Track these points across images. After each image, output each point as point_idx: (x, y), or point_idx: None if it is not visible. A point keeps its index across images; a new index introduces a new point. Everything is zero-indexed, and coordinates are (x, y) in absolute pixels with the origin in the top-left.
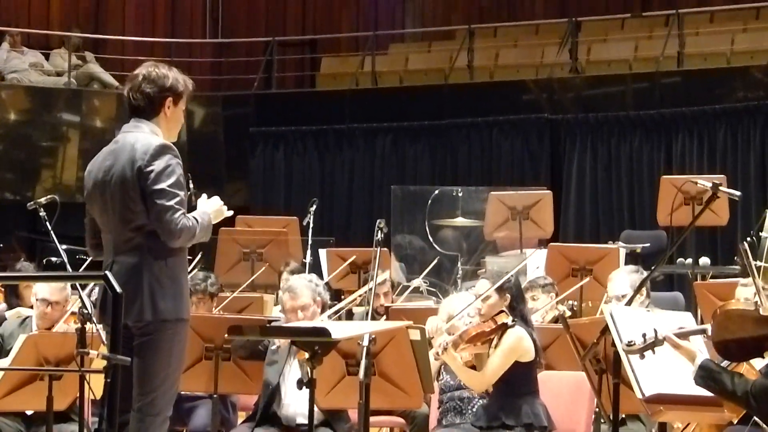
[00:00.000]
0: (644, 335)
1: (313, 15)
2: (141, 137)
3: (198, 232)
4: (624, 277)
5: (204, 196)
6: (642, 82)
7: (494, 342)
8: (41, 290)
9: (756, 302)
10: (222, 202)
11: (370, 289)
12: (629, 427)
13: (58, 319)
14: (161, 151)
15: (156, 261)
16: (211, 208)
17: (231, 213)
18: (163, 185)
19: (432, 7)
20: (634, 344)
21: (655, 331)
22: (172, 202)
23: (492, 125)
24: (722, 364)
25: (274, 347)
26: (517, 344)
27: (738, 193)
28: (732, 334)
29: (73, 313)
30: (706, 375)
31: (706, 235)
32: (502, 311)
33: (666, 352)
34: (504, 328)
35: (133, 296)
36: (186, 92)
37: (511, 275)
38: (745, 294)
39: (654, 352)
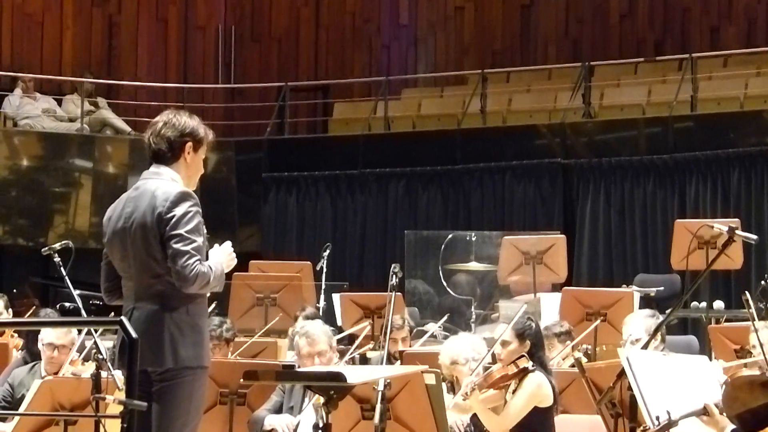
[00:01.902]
0: (657, 418)
1: (326, 60)
2: (162, 184)
3: (212, 280)
4: (640, 321)
5: (216, 245)
6: (655, 127)
7: (512, 387)
8: (47, 335)
9: (761, 367)
10: (231, 250)
11: (386, 334)
12: None
13: (64, 363)
14: (182, 198)
15: (177, 308)
16: (222, 256)
17: (235, 262)
18: (181, 231)
19: (444, 52)
20: (650, 429)
21: (669, 413)
22: (188, 248)
23: (505, 170)
24: None
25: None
26: (538, 390)
27: (755, 237)
28: (744, 405)
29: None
30: None
31: (720, 278)
32: (522, 356)
33: (680, 395)
34: (525, 372)
35: (155, 343)
36: (206, 140)
37: (532, 322)
38: (758, 340)
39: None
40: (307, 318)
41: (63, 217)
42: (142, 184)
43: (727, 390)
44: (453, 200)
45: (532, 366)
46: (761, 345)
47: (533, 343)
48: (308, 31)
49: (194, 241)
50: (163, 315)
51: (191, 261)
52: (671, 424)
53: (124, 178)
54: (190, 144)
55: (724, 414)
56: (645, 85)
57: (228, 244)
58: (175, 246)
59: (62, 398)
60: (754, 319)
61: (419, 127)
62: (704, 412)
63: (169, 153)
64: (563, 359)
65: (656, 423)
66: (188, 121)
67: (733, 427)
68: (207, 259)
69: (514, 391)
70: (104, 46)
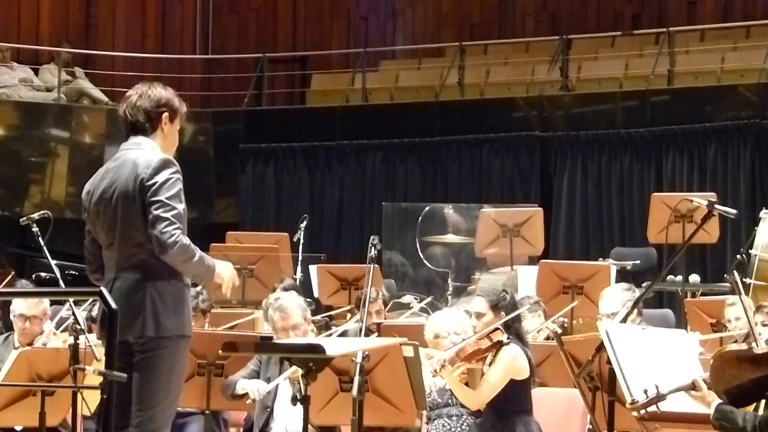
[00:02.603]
0: (646, 391)
1: (304, 31)
2: (142, 153)
3: (196, 260)
4: (616, 295)
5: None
6: (632, 100)
7: (488, 359)
8: (18, 306)
9: (749, 342)
10: (234, 271)
11: (364, 306)
12: None
13: (37, 334)
14: (164, 165)
15: (159, 277)
16: (221, 265)
17: (235, 282)
18: (162, 197)
19: (423, 24)
20: (637, 402)
21: (657, 387)
22: (168, 214)
23: (482, 142)
24: None
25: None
26: (513, 362)
27: (734, 211)
28: (732, 380)
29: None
30: (720, 417)
31: (696, 252)
32: (497, 329)
33: (659, 369)
34: (499, 345)
35: (136, 312)
36: (181, 111)
37: (506, 293)
38: (734, 314)
39: (659, 408)
40: (285, 289)
41: (39, 186)
42: (122, 155)
43: (715, 364)
44: (431, 172)
45: (507, 338)
46: (750, 320)
47: (509, 313)
48: (286, 3)
49: (175, 208)
50: (145, 284)
51: (170, 228)
52: (660, 397)
53: (101, 148)
54: (166, 114)
55: (712, 389)
56: (622, 58)
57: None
58: (155, 212)
59: (40, 369)
60: (740, 293)
61: (397, 99)
62: (692, 387)
63: (147, 124)
64: (538, 332)
65: (645, 396)
66: (163, 93)
67: (720, 401)
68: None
69: (490, 364)
70: (82, 15)
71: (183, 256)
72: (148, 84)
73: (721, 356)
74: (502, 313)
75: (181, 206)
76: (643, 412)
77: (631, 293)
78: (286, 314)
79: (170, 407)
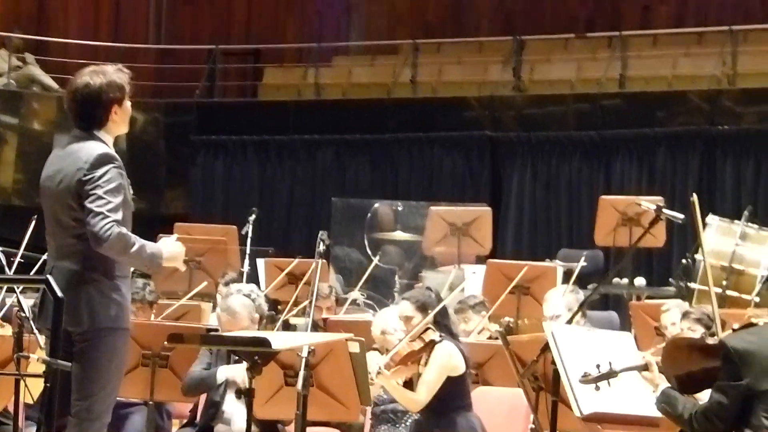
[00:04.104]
0: (598, 366)
1: (258, 24)
2: (86, 145)
3: (135, 249)
4: (560, 297)
5: (173, 237)
6: (583, 103)
7: (423, 360)
8: None
9: (704, 330)
10: (182, 251)
11: (311, 301)
12: None
13: None
14: (102, 160)
15: (96, 268)
16: (168, 248)
17: (183, 268)
18: (98, 191)
19: (377, 21)
20: (590, 375)
21: (610, 363)
22: (103, 209)
23: (433, 141)
24: None
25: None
26: (448, 360)
27: (681, 216)
28: (683, 367)
29: None
30: (664, 400)
31: (642, 255)
32: (428, 328)
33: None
34: (432, 344)
35: (72, 303)
36: (126, 89)
37: (431, 292)
38: (669, 320)
39: (609, 384)
40: (227, 284)
41: None
42: (70, 147)
43: (668, 349)
44: (381, 169)
45: (440, 336)
46: (716, 312)
47: (438, 312)
48: None
49: (110, 201)
50: (82, 275)
51: (105, 221)
52: (612, 373)
53: (50, 135)
54: (115, 103)
55: (663, 373)
56: (575, 61)
57: (179, 244)
58: (90, 205)
59: None
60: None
61: (349, 95)
62: (645, 367)
63: (94, 117)
64: (480, 332)
65: (597, 371)
66: (110, 78)
67: (667, 385)
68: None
69: (425, 364)
70: (35, 1)
71: (119, 246)
72: (92, 70)
73: (674, 342)
74: (430, 312)
75: (117, 199)
76: (588, 412)
77: (576, 295)
78: (234, 318)
79: (109, 397)
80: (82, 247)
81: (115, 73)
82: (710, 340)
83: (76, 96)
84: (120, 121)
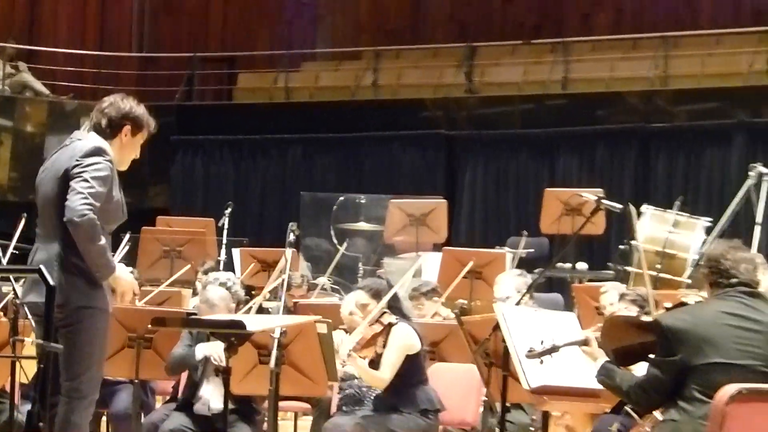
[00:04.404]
0: (542, 342)
1: (232, 33)
2: (84, 142)
3: (98, 245)
4: (509, 281)
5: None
6: (530, 104)
7: (381, 341)
8: None
9: (638, 310)
10: (132, 280)
11: (283, 286)
12: (513, 415)
13: None
14: (96, 151)
15: (76, 253)
16: (124, 272)
17: (133, 295)
18: (85, 175)
19: (342, 29)
20: (534, 351)
21: (552, 339)
22: (86, 191)
23: (393, 139)
24: None
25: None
26: (406, 340)
27: (619, 206)
28: (619, 342)
29: None
30: (604, 373)
31: (583, 242)
32: (385, 312)
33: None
34: (390, 327)
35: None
36: (147, 128)
37: (382, 279)
38: (608, 300)
39: (554, 359)
40: (206, 272)
41: None
42: (70, 143)
43: (606, 326)
44: (346, 165)
45: (396, 319)
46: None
47: (391, 297)
48: (217, 6)
49: (94, 187)
50: (61, 257)
51: (85, 202)
52: (554, 348)
53: (42, 137)
54: (128, 127)
55: (601, 347)
56: (522, 65)
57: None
58: (75, 185)
59: None
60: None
61: (316, 97)
62: (584, 342)
63: (107, 129)
64: (432, 317)
65: (541, 346)
66: (134, 107)
67: (606, 358)
68: (122, 213)
69: (384, 345)
70: (26, 13)
71: (88, 233)
72: (123, 96)
73: (612, 319)
74: (383, 299)
75: (101, 188)
76: (535, 385)
77: (524, 279)
78: (212, 310)
79: (95, 376)
80: (63, 232)
81: (144, 112)
82: (645, 318)
83: (104, 106)
84: (127, 146)
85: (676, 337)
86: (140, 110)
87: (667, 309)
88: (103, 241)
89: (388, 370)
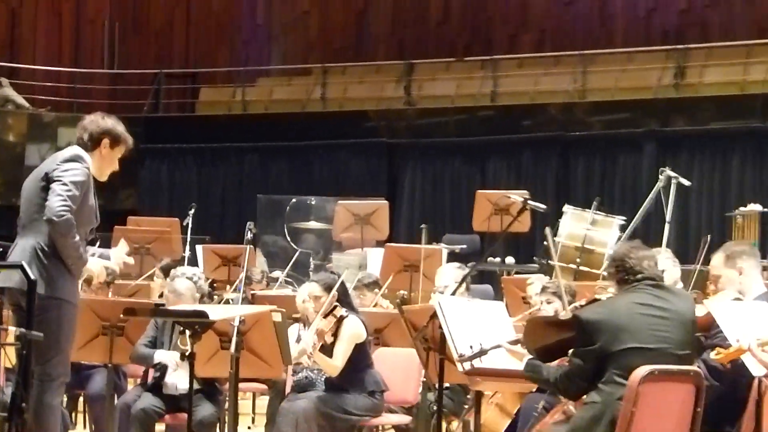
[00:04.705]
0: (471, 347)
1: (195, 51)
2: (65, 151)
3: (73, 241)
4: (449, 272)
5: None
6: (462, 114)
7: (332, 331)
8: None
9: (556, 310)
10: (126, 254)
11: (242, 280)
12: (449, 394)
13: None
14: (75, 158)
15: (47, 247)
16: (115, 251)
17: (132, 261)
18: (65, 179)
19: (293, 48)
20: (465, 356)
21: (480, 344)
22: (65, 194)
23: (340, 147)
24: None
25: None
26: (355, 331)
27: (543, 206)
28: (540, 341)
29: None
30: (530, 369)
31: (510, 239)
32: (336, 306)
33: (481, 332)
34: (341, 319)
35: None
36: (125, 143)
37: (334, 274)
38: (534, 290)
39: (482, 360)
40: (162, 269)
41: None
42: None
43: (528, 327)
44: (298, 170)
45: (346, 312)
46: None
47: (340, 291)
48: (181, 27)
49: (71, 190)
50: (34, 251)
51: (63, 204)
52: (482, 352)
53: (22, 146)
54: (107, 141)
55: (525, 347)
56: (455, 80)
57: (122, 248)
58: (55, 186)
59: None
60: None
61: (271, 109)
62: (515, 342)
63: (88, 142)
64: (373, 307)
65: (470, 351)
66: (113, 124)
67: (531, 356)
68: (96, 219)
69: (334, 335)
70: (7, 34)
71: (64, 230)
72: (104, 114)
73: (532, 321)
74: (334, 291)
75: (78, 192)
76: (469, 366)
77: (460, 271)
78: (179, 299)
79: (63, 361)
80: (42, 226)
81: (123, 129)
82: (562, 316)
83: (86, 124)
84: (106, 158)
85: (594, 328)
86: (119, 128)
87: (582, 306)
88: (77, 237)
89: (341, 358)
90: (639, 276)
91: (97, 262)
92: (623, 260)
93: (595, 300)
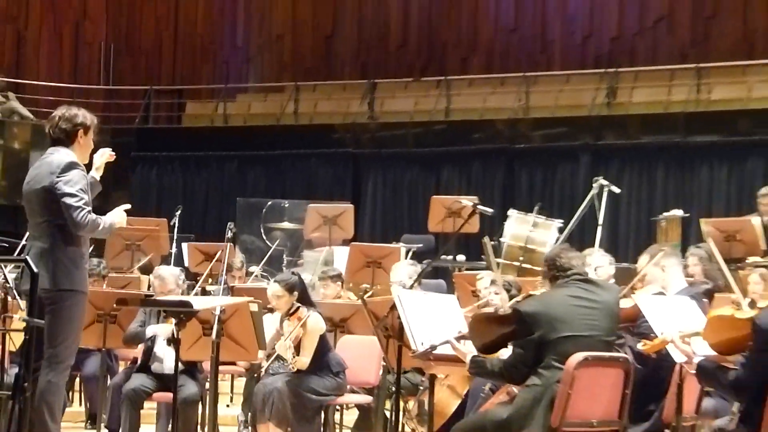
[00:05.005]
0: (422, 344)
1: (181, 70)
2: (57, 157)
3: (101, 228)
4: (401, 268)
5: (118, 208)
6: (419, 128)
7: (300, 330)
8: None
9: (496, 306)
10: (125, 213)
11: (222, 273)
12: (407, 377)
13: None
14: (70, 166)
15: (59, 247)
16: (117, 217)
17: (124, 220)
18: (71, 190)
19: (269, 68)
20: (417, 351)
21: (431, 342)
22: (79, 203)
23: (311, 156)
24: None
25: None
26: (316, 326)
27: (491, 210)
28: (484, 336)
29: None
30: (474, 365)
31: (461, 239)
32: (299, 307)
33: (435, 323)
34: (305, 319)
35: (41, 271)
36: (92, 125)
37: (295, 275)
38: (483, 285)
39: (432, 357)
40: (140, 269)
41: None
42: (45, 158)
43: (472, 324)
44: (273, 177)
45: (307, 311)
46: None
47: (300, 290)
48: (168, 48)
49: (81, 197)
50: (50, 250)
51: (82, 213)
52: (433, 347)
53: (27, 152)
54: (81, 132)
55: (471, 342)
56: (413, 97)
57: (123, 207)
58: (68, 202)
59: None
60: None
61: (249, 122)
62: (460, 338)
63: (66, 139)
64: (337, 299)
65: (421, 346)
66: (78, 114)
67: (474, 353)
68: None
69: (301, 326)
70: (14, 54)
71: (92, 228)
72: (67, 107)
73: (475, 318)
74: (295, 292)
75: (85, 195)
76: (423, 353)
77: (415, 267)
78: (164, 283)
79: (72, 346)
80: (50, 230)
81: (84, 113)
82: (502, 311)
83: (56, 121)
84: (84, 145)
85: (533, 319)
86: (87, 116)
87: (519, 301)
88: (101, 225)
89: (309, 353)
90: (569, 273)
91: (116, 215)
92: (554, 260)
93: (530, 296)
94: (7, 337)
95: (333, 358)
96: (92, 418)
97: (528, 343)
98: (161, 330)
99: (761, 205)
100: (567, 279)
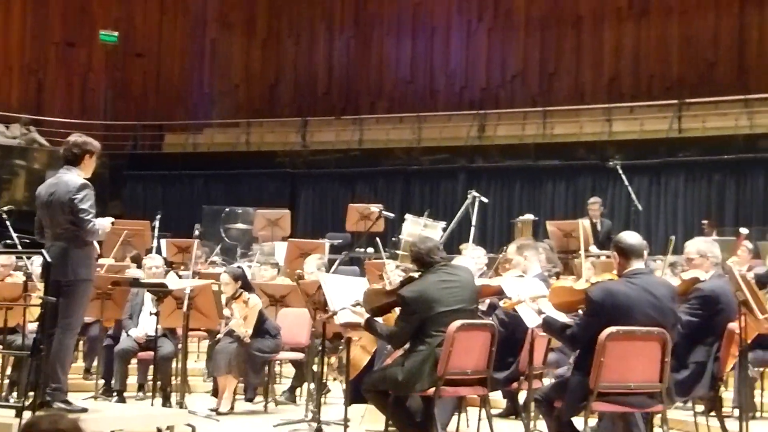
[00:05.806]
0: (327, 310)
1: (162, 109)
2: (71, 177)
3: (99, 233)
4: (312, 261)
5: (105, 219)
6: (340, 154)
7: (245, 309)
8: None
9: (389, 281)
10: (110, 222)
11: (192, 262)
12: (333, 342)
13: (6, 275)
14: (83, 187)
15: (75, 246)
16: (104, 222)
17: (111, 223)
18: (84, 206)
19: (228, 108)
20: (323, 316)
21: (334, 308)
22: (89, 217)
23: (259, 175)
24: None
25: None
26: (255, 304)
27: (392, 215)
28: (374, 303)
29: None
30: (368, 326)
31: (371, 236)
32: (242, 292)
33: (347, 297)
34: (248, 299)
35: (63, 265)
36: (96, 150)
37: (240, 267)
38: (390, 268)
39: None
40: (132, 258)
41: (9, 192)
42: (60, 176)
43: (366, 294)
44: (231, 191)
45: (247, 295)
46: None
47: (242, 279)
48: (152, 94)
49: (90, 212)
50: (67, 249)
51: (90, 223)
52: (334, 313)
53: (45, 172)
54: (88, 155)
55: (365, 308)
56: (335, 131)
57: (108, 219)
58: (81, 216)
59: (5, 294)
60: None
61: (213, 149)
62: (354, 305)
63: (75, 161)
64: (272, 280)
65: (330, 310)
66: (87, 141)
67: (368, 317)
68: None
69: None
70: (35, 95)
71: (96, 233)
72: (79, 135)
73: (369, 290)
74: (239, 281)
75: (93, 210)
76: (341, 321)
77: (322, 260)
78: (152, 261)
79: (80, 318)
80: (68, 234)
81: (92, 141)
82: (389, 288)
83: (69, 146)
84: (88, 166)
85: (414, 301)
86: (93, 143)
87: (404, 281)
88: (100, 230)
89: (252, 325)
90: (433, 260)
91: (104, 222)
92: (420, 251)
93: (411, 279)
94: (27, 311)
95: (270, 324)
96: (87, 371)
97: (410, 320)
98: (137, 333)
99: (590, 211)
100: (434, 266)
